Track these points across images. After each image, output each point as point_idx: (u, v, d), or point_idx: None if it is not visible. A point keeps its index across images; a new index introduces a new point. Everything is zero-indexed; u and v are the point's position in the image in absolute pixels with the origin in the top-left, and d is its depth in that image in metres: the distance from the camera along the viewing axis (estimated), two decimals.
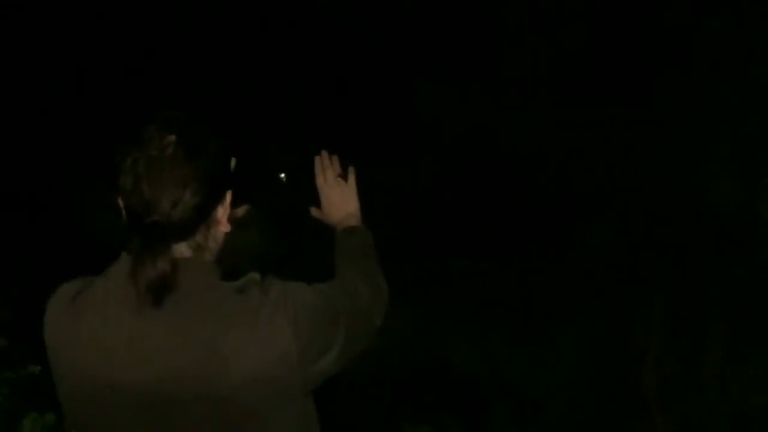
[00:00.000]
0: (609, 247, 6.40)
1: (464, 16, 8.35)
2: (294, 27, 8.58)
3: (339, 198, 1.80)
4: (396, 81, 8.20)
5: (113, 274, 1.31)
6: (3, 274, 4.95)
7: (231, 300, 1.29)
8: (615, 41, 7.58)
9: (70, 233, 6.65)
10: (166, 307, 1.26)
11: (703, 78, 6.82)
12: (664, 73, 7.20)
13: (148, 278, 1.24)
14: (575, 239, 6.54)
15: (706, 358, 5.35)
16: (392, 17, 8.39)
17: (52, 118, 8.07)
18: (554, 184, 7.06)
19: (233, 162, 1.37)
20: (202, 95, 7.80)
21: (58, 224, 6.85)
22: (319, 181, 1.81)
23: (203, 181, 1.28)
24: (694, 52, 7.07)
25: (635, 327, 5.76)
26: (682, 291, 5.81)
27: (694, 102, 6.72)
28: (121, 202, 1.29)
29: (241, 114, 8.06)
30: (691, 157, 6.54)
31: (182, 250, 1.30)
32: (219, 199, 1.34)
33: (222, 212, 1.35)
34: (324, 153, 1.82)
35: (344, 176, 1.80)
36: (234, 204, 1.36)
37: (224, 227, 1.35)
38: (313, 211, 1.83)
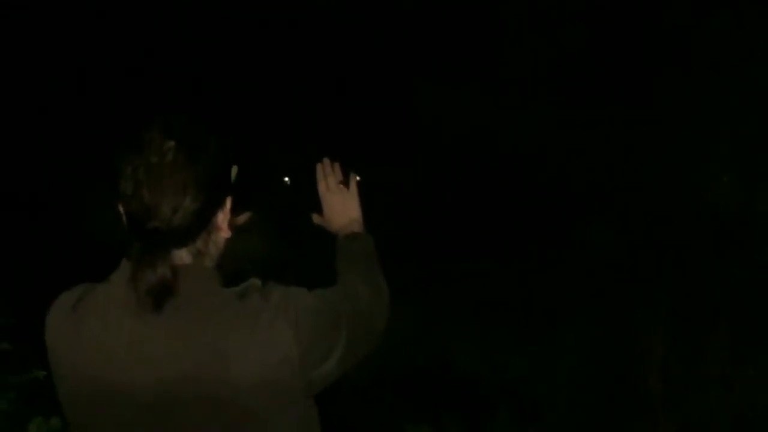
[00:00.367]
0: (610, 248, 6.41)
1: (464, 16, 8.35)
2: (294, 27, 8.59)
3: (341, 205, 1.79)
4: (396, 81, 8.21)
5: (114, 279, 1.31)
6: (7, 279, 4.95)
7: (231, 305, 1.28)
8: (615, 41, 7.59)
9: (71, 234, 6.65)
10: (166, 311, 1.26)
11: (703, 78, 6.82)
12: (664, 73, 7.20)
13: (148, 283, 1.23)
14: (576, 239, 6.54)
15: (708, 358, 5.35)
16: (392, 17, 8.40)
17: (52, 118, 8.07)
18: (555, 184, 7.07)
19: (235, 170, 1.36)
20: (202, 95, 7.81)
21: (59, 225, 6.85)
22: (321, 188, 1.81)
23: (203, 187, 1.27)
24: (694, 52, 7.07)
25: (637, 327, 5.76)
26: (683, 291, 5.81)
27: (694, 102, 6.72)
28: (121, 208, 1.28)
29: (241, 114, 8.07)
30: (692, 157, 6.54)
31: (183, 255, 1.29)
32: (219, 204, 1.33)
33: (222, 218, 1.34)
34: (326, 160, 1.81)
35: (346, 183, 1.80)
36: (236, 209, 1.35)
37: (225, 233, 1.35)
38: (315, 218, 1.82)
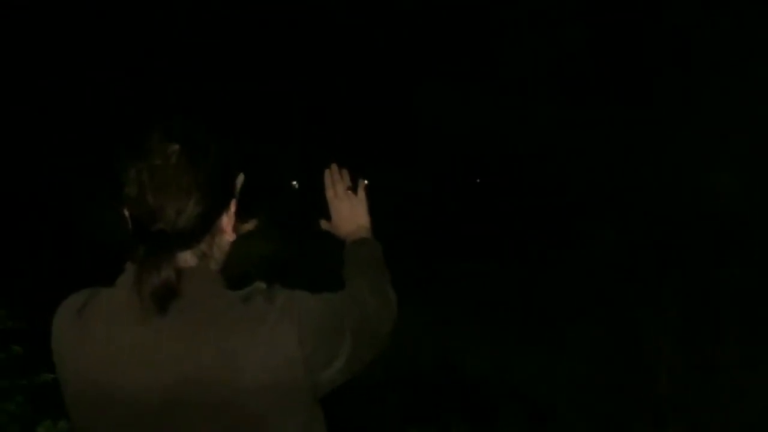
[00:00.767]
0: (617, 249, 6.40)
1: (464, 17, 8.36)
2: (294, 27, 8.59)
3: (349, 211, 1.79)
4: (396, 81, 8.21)
5: (119, 283, 1.31)
6: (17, 282, 4.95)
7: (236, 308, 1.28)
8: (616, 41, 7.59)
9: (75, 236, 6.65)
10: (170, 314, 1.26)
11: (704, 77, 6.83)
12: (665, 73, 7.21)
13: (152, 285, 1.23)
14: (582, 241, 6.53)
15: (719, 362, 5.33)
16: (392, 18, 8.40)
17: (52, 118, 8.07)
18: (561, 185, 7.06)
19: (241, 178, 1.37)
20: (202, 95, 7.80)
21: (61, 225, 6.86)
22: (329, 194, 1.81)
23: (207, 190, 1.27)
24: (695, 52, 7.08)
25: (644, 330, 5.75)
26: (691, 293, 5.80)
27: (697, 102, 6.72)
28: (126, 211, 1.29)
29: (241, 115, 8.07)
30: (697, 158, 6.53)
31: (187, 258, 1.29)
32: (224, 207, 1.33)
33: (227, 221, 1.34)
34: (334, 166, 1.82)
35: (354, 189, 1.81)
36: (243, 214, 1.36)
37: (229, 236, 1.35)
38: (323, 224, 1.83)
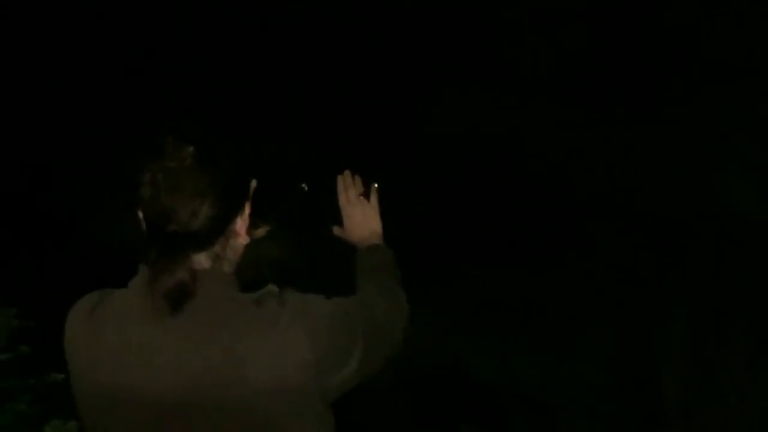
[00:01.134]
0: (626, 253, 6.39)
1: (464, 17, 8.36)
2: (294, 27, 8.58)
3: (361, 217, 1.82)
4: (396, 82, 8.21)
5: (132, 285, 1.32)
6: (23, 282, 4.97)
7: (248, 311, 1.30)
8: (616, 41, 7.59)
9: (80, 235, 6.65)
10: (182, 316, 1.27)
11: (708, 78, 6.83)
12: (668, 74, 7.21)
13: (166, 287, 1.25)
14: (590, 244, 6.52)
15: (727, 366, 5.32)
16: (392, 17, 8.40)
17: (52, 118, 8.06)
18: (566, 187, 7.05)
19: (253, 184, 1.39)
20: (202, 95, 7.80)
21: (69, 226, 6.86)
22: (342, 200, 1.84)
23: (221, 192, 1.29)
24: (697, 52, 7.08)
25: (654, 334, 5.74)
26: (701, 297, 5.79)
27: (702, 102, 6.72)
28: (140, 214, 1.30)
29: (245, 115, 8.06)
30: (703, 160, 6.53)
31: (201, 260, 1.31)
32: (238, 210, 1.35)
33: (241, 224, 1.36)
34: (347, 172, 1.85)
35: (366, 195, 1.83)
36: (255, 219, 1.37)
37: (243, 239, 1.37)
38: (336, 230, 1.86)
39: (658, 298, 5.92)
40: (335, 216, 1.78)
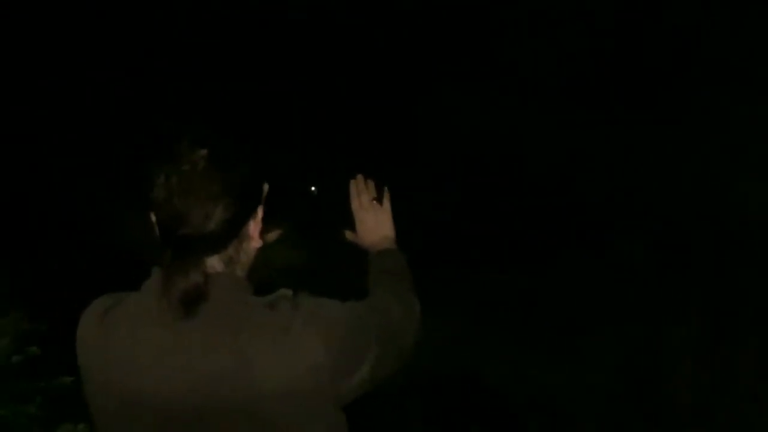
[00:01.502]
0: (639, 259, 6.39)
1: (464, 17, 8.36)
2: (294, 27, 8.58)
3: (374, 222, 1.82)
4: (397, 82, 8.21)
5: (144, 287, 1.32)
6: (33, 284, 4.96)
7: (261, 314, 1.29)
8: (616, 41, 7.61)
9: (88, 237, 6.65)
10: (196, 319, 1.27)
11: (707, 77, 6.84)
12: (668, 73, 7.21)
13: (180, 290, 1.25)
14: (602, 250, 6.51)
15: (738, 369, 5.32)
16: (393, 18, 8.40)
17: (52, 118, 8.05)
18: (578, 193, 7.04)
19: (266, 188, 1.39)
20: (202, 95, 7.80)
21: (76, 228, 6.86)
22: (354, 204, 1.83)
23: (235, 195, 1.29)
24: (697, 52, 7.09)
25: (665, 339, 5.74)
26: (716, 303, 5.78)
27: (703, 102, 6.72)
28: (153, 217, 1.30)
29: (240, 114, 8.05)
30: (717, 163, 6.53)
31: (214, 263, 1.31)
32: (251, 213, 1.35)
33: (254, 227, 1.36)
34: (359, 176, 1.84)
35: (379, 199, 1.82)
36: (266, 223, 1.37)
37: (256, 242, 1.37)
38: (348, 235, 1.85)
39: (668, 302, 5.92)
40: (347, 220, 1.78)
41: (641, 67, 7.49)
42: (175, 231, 1.27)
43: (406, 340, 1.50)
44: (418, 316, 1.58)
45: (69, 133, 7.88)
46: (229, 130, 1.36)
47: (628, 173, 7.00)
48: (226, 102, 7.92)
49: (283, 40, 8.58)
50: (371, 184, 1.85)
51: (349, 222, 1.81)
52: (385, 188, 1.84)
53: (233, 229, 1.33)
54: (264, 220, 1.38)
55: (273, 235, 1.41)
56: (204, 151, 1.28)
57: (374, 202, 1.82)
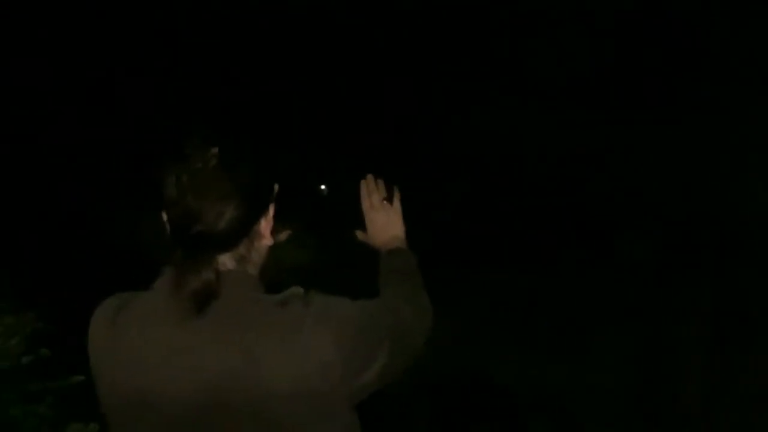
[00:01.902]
0: (648, 258, 6.39)
1: (465, 17, 8.36)
2: (294, 27, 8.58)
3: (384, 222, 1.82)
4: (397, 82, 8.21)
5: (156, 286, 1.32)
6: (44, 285, 4.96)
7: (273, 312, 1.29)
8: (617, 41, 7.60)
9: (98, 238, 6.66)
10: (207, 318, 1.27)
11: (707, 77, 6.83)
12: (669, 73, 7.21)
13: (192, 287, 1.24)
14: (613, 249, 6.51)
15: (748, 370, 5.31)
16: (392, 18, 8.40)
17: (52, 118, 8.05)
18: (586, 192, 7.04)
19: (276, 188, 1.38)
20: (202, 96, 7.79)
21: (86, 230, 6.86)
22: (365, 204, 1.83)
23: (246, 193, 1.29)
24: (697, 52, 7.09)
25: (674, 339, 5.74)
26: (722, 303, 5.79)
27: (703, 102, 6.72)
28: (164, 216, 1.30)
29: (240, 114, 8.05)
30: (709, 159, 6.52)
31: (226, 261, 1.30)
32: (262, 211, 1.35)
33: (265, 225, 1.35)
34: (369, 177, 1.84)
35: (390, 199, 1.82)
36: (279, 218, 1.37)
37: (267, 240, 1.36)
38: (359, 235, 1.85)
39: (672, 301, 5.92)
40: (358, 220, 1.78)
41: (641, 67, 7.49)
42: (187, 229, 1.27)
43: (416, 339, 1.50)
44: (429, 315, 1.58)
45: (69, 133, 7.88)
46: (236, 130, 1.36)
47: (630, 173, 7.00)
48: (233, 102, 7.92)
49: (284, 40, 8.58)
50: (381, 184, 1.85)
51: (360, 222, 1.81)
52: (395, 188, 1.83)
53: (245, 227, 1.32)
54: (275, 219, 1.38)
55: (284, 234, 1.41)
56: (215, 150, 1.28)
57: (385, 201, 1.82)
